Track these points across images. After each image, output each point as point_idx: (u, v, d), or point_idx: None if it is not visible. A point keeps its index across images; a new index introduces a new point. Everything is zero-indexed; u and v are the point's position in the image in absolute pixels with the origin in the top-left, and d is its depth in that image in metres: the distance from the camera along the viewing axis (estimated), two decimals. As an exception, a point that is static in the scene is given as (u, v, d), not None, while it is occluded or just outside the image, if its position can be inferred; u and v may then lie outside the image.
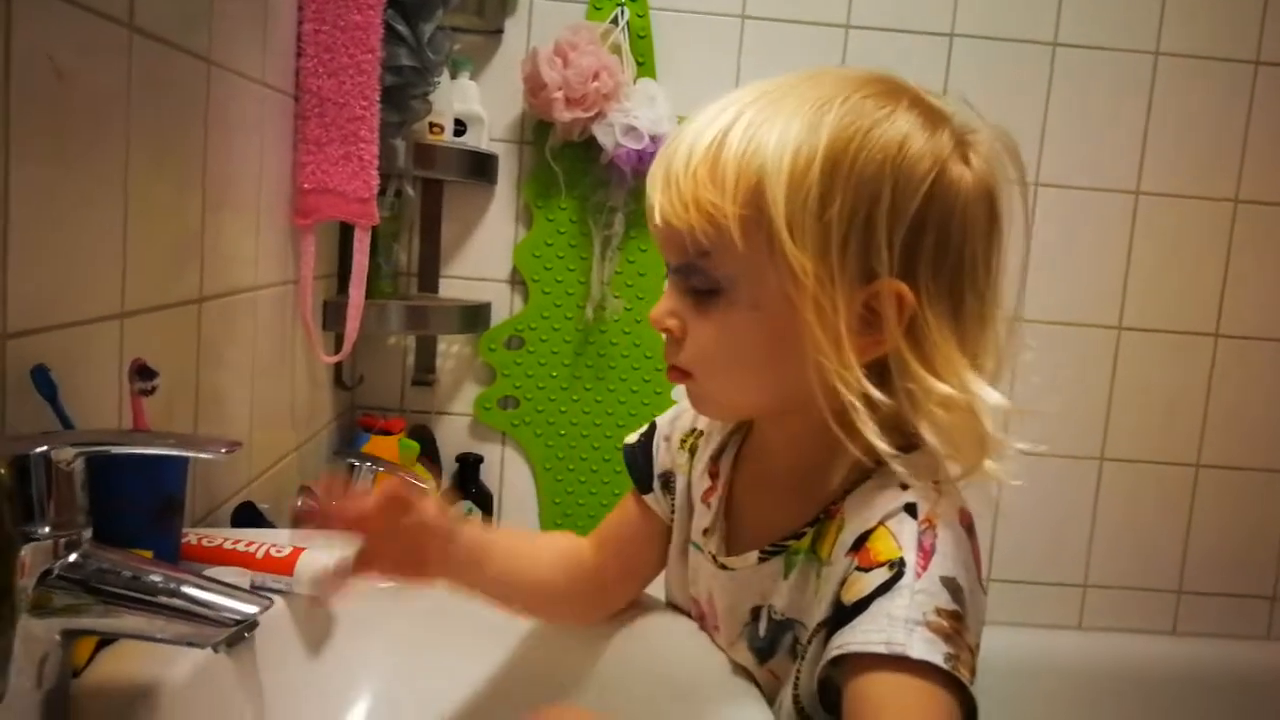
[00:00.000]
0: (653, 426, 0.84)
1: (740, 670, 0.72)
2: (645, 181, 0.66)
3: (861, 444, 0.61)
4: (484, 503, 1.69)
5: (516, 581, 0.80)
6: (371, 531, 0.71)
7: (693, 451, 0.79)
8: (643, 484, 0.82)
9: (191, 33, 0.89)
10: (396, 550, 0.72)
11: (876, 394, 0.60)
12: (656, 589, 0.84)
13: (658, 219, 0.63)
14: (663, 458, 0.81)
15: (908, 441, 0.62)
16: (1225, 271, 1.78)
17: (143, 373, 0.73)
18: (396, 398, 1.75)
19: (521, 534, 0.85)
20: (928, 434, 0.61)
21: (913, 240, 0.60)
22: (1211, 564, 1.84)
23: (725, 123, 0.61)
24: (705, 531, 0.75)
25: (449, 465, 1.73)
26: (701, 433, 0.79)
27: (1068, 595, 1.84)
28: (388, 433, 1.55)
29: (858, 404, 0.60)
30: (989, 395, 0.61)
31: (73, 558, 0.54)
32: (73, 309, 0.71)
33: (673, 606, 0.82)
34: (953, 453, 0.62)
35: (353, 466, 1.28)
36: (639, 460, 0.83)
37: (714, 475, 0.76)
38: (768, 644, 0.69)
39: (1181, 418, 1.81)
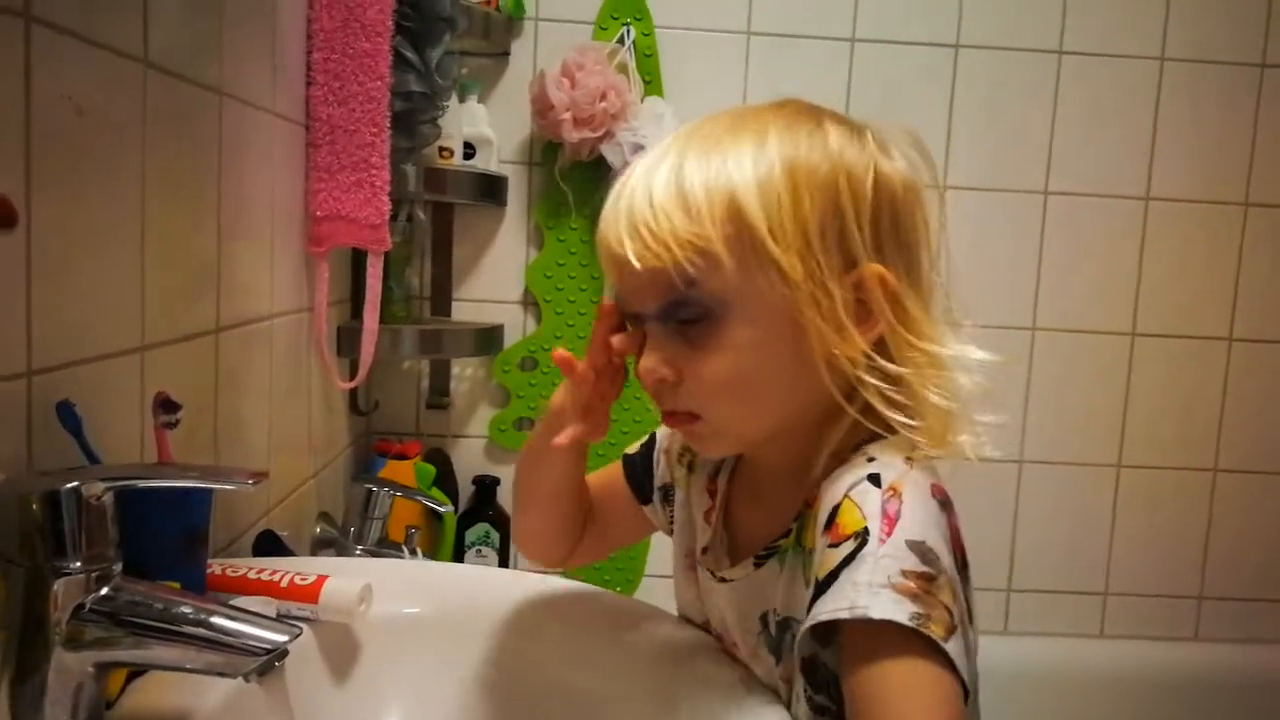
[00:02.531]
0: (652, 438, 0.86)
1: (757, 680, 0.72)
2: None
3: (844, 431, 0.65)
4: (501, 525, 1.69)
5: (570, 503, 0.83)
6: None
7: (690, 467, 0.81)
8: (642, 495, 0.85)
9: (203, 65, 0.89)
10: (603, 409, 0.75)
11: (893, 367, 0.63)
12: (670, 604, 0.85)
13: (635, 264, 0.62)
14: (662, 470, 0.83)
15: (885, 427, 0.65)
16: (1237, 275, 1.78)
17: (166, 406, 0.73)
18: (412, 422, 1.75)
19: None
20: (935, 399, 0.63)
21: (875, 224, 0.64)
22: (1233, 569, 1.83)
23: (672, 165, 0.63)
24: (705, 550, 0.76)
25: (465, 488, 1.73)
26: None
27: (1088, 603, 1.84)
28: (404, 457, 1.55)
29: (878, 384, 0.62)
30: (975, 353, 0.65)
31: (104, 591, 0.54)
32: (94, 343, 0.72)
33: (687, 620, 0.82)
34: (935, 423, 0.64)
35: (370, 492, 1.29)
36: (638, 471, 0.85)
37: (712, 494, 0.77)
38: (777, 646, 0.70)
39: (1198, 422, 1.81)
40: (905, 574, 0.56)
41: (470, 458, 1.76)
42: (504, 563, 1.70)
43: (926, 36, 1.71)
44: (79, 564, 0.54)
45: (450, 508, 1.40)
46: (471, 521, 1.68)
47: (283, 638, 0.56)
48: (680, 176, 0.62)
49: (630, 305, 0.67)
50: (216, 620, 0.55)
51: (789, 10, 1.69)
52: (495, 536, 1.68)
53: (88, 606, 0.54)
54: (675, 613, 0.84)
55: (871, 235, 0.63)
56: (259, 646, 0.55)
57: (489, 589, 0.86)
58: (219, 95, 0.93)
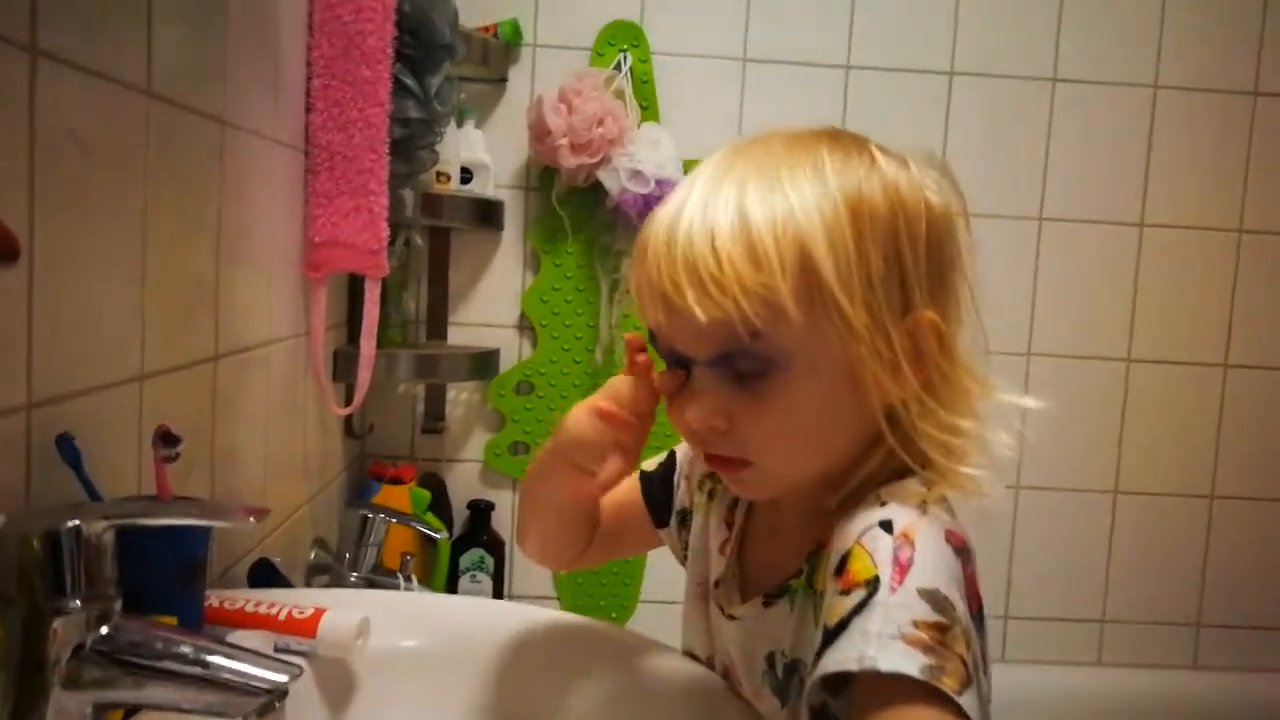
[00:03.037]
0: (671, 457, 0.84)
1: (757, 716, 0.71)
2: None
3: (870, 471, 0.64)
4: (496, 550, 1.68)
5: (575, 517, 0.82)
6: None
7: (711, 495, 0.79)
8: (659, 517, 0.83)
9: (205, 94, 0.89)
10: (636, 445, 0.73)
11: (947, 416, 0.62)
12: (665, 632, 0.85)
13: (700, 318, 0.59)
14: (681, 495, 0.82)
15: (904, 468, 0.64)
16: (1232, 301, 1.78)
17: (167, 440, 0.72)
18: (407, 446, 1.74)
19: None
20: (983, 444, 0.63)
21: (929, 265, 0.63)
22: (1231, 596, 1.83)
23: (733, 204, 0.60)
24: (717, 583, 0.75)
25: (460, 512, 1.72)
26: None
27: (1085, 631, 1.83)
28: (399, 481, 1.55)
29: (931, 430, 0.62)
30: (1027, 402, 0.66)
31: (104, 630, 0.54)
32: (93, 374, 0.71)
33: (690, 655, 0.81)
34: (980, 467, 0.63)
35: (366, 518, 1.29)
36: (656, 492, 0.84)
37: (730, 525, 0.76)
38: (783, 688, 0.69)
39: (1194, 449, 1.81)
40: (917, 624, 0.55)
41: (465, 482, 1.75)
42: (499, 589, 1.69)
43: (921, 64, 1.72)
44: (78, 603, 0.53)
45: (445, 534, 1.39)
46: (466, 547, 1.67)
47: (283, 678, 0.55)
48: (745, 220, 0.59)
49: (678, 348, 0.64)
50: (216, 660, 0.54)
51: (785, 37, 1.70)
52: (490, 562, 1.67)
53: (88, 646, 0.53)
54: (676, 643, 0.83)
55: (927, 277, 0.63)
56: (259, 687, 0.54)
57: (487, 622, 0.85)
58: (220, 124, 0.93)
